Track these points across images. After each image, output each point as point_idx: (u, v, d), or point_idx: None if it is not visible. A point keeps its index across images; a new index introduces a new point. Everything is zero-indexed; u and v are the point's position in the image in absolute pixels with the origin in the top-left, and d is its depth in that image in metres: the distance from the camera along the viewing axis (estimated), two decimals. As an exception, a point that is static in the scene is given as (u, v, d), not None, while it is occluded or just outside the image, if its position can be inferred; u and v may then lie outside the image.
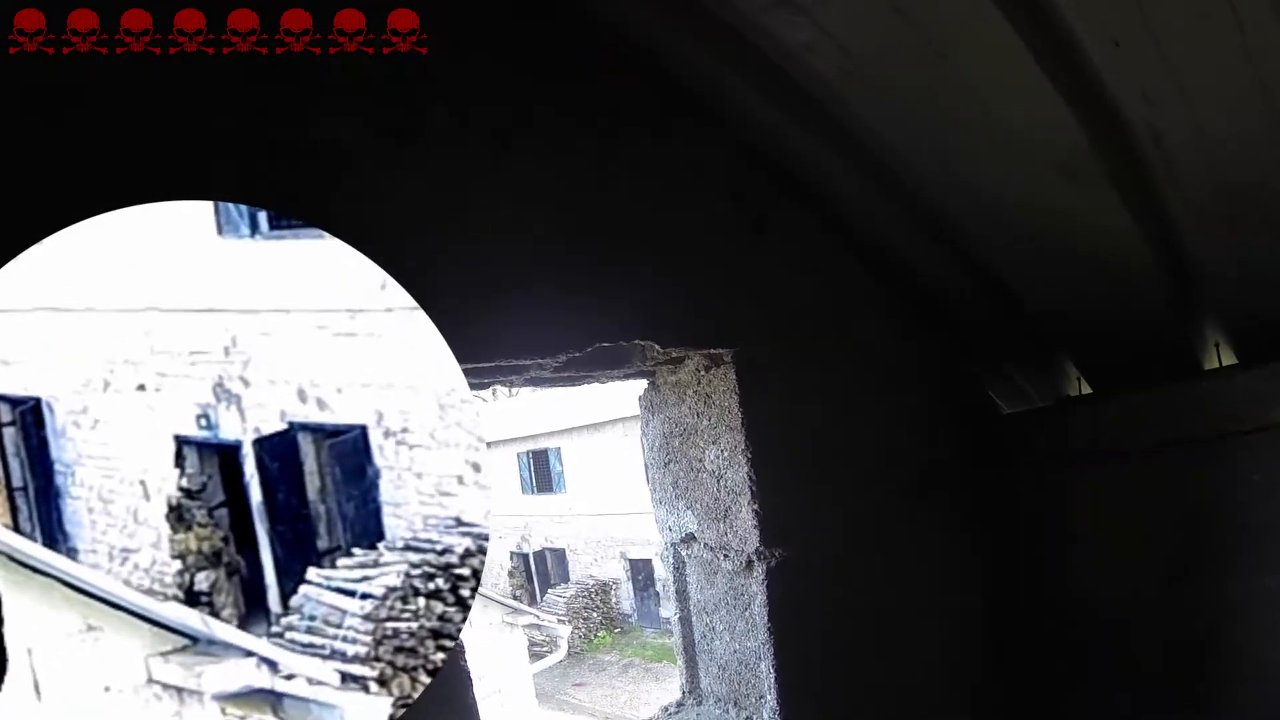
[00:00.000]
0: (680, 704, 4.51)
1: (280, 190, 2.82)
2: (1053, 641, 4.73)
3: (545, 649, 25.89)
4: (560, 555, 36.98)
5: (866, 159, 3.79)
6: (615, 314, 3.48)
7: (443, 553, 6.03)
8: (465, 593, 5.97)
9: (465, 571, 5.97)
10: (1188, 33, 2.78)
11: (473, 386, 3.72)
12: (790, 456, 3.96)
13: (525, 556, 37.81)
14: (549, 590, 35.76)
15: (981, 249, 4.14)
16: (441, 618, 5.98)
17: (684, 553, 4.37)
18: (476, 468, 6.36)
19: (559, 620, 27.37)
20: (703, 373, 3.96)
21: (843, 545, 4.13)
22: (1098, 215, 3.57)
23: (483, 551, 6.02)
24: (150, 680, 6.32)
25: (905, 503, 4.40)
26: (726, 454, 3.94)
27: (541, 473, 36.87)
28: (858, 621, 4.16)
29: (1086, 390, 4.80)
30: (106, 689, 6.15)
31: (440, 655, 6.06)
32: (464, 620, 5.97)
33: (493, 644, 21.29)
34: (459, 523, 6.37)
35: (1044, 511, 4.75)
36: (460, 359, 3.15)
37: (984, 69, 3.12)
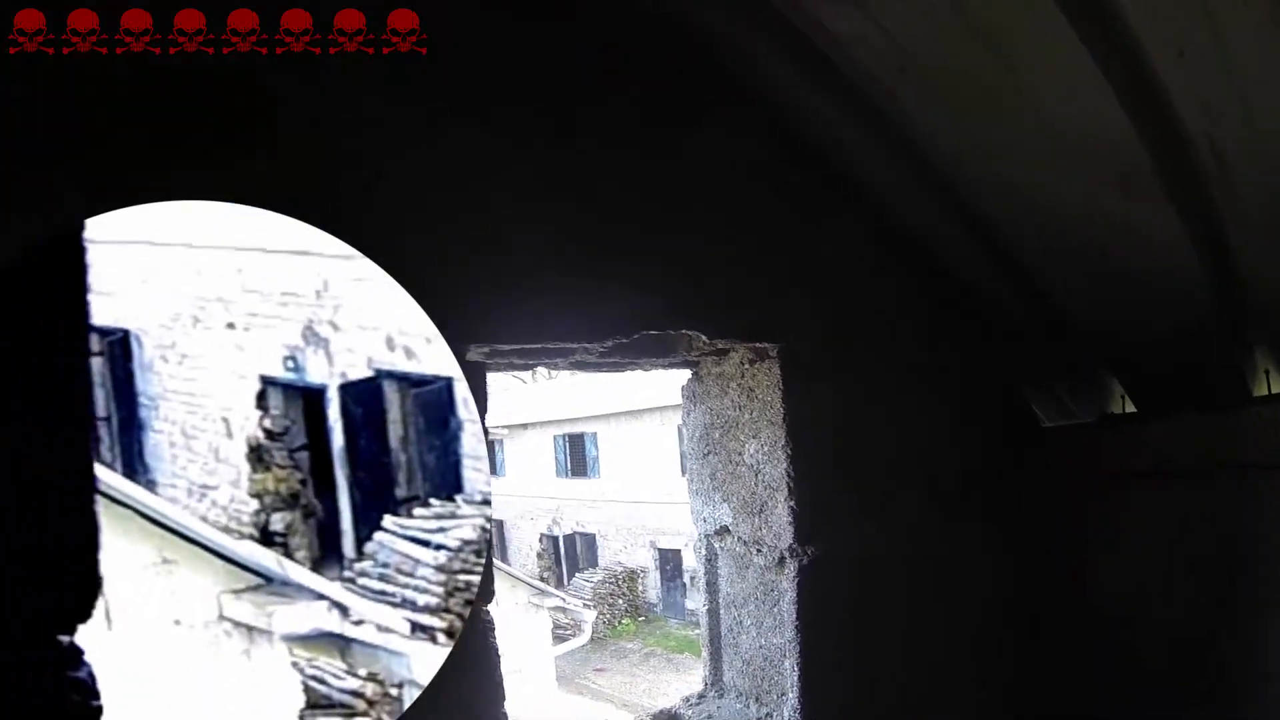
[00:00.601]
0: (702, 695, 4.51)
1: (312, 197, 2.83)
2: (1086, 656, 4.69)
3: (569, 632, 25.90)
4: (590, 540, 36.99)
5: (916, 159, 3.73)
6: (663, 302, 3.46)
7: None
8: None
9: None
10: (1254, 43, 2.73)
11: (520, 368, 3.72)
12: (829, 455, 3.91)
13: (555, 539, 37.86)
14: (576, 574, 35.78)
15: (1030, 258, 4.07)
16: (512, 574, 5.97)
17: (717, 545, 4.36)
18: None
19: (584, 605, 27.38)
20: (747, 366, 3.94)
21: (876, 547, 4.09)
22: (1152, 230, 3.48)
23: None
24: (221, 617, 6.37)
25: (941, 509, 4.35)
26: (766, 449, 3.91)
27: (577, 456, 36.86)
28: (886, 624, 4.13)
29: (1130, 409, 4.76)
30: (177, 622, 6.21)
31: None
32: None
33: (517, 624, 21.34)
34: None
35: (1081, 527, 4.69)
36: (507, 339, 3.16)
37: (1043, 72, 3.05)
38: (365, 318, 6.60)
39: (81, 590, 2.09)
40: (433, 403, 6.56)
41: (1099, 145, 3.19)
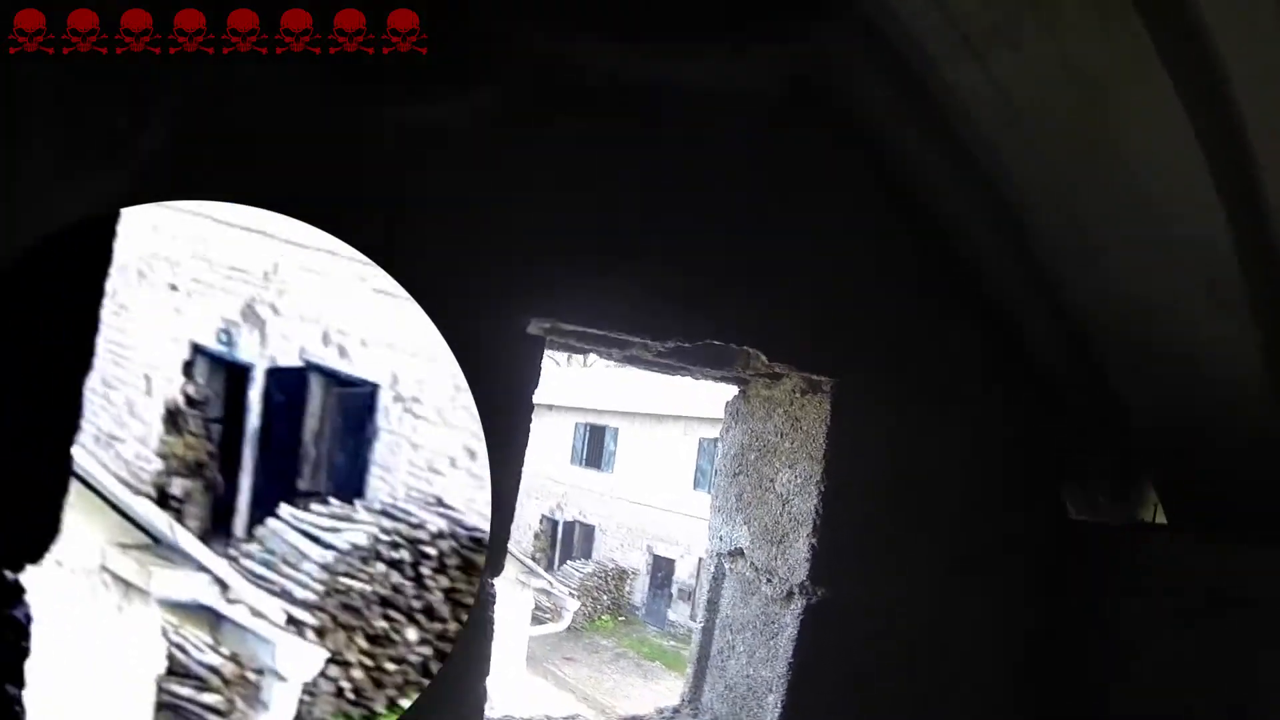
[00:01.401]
0: (676, 710, 4.49)
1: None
2: None
3: (548, 616, 25.94)
4: (589, 531, 37.05)
5: (1006, 217, 3.69)
6: (729, 315, 3.45)
7: (416, 527, 6.06)
8: (425, 571, 5.98)
9: (432, 551, 5.98)
10: None
11: (575, 350, 3.70)
12: (862, 498, 3.85)
13: (555, 523, 37.95)
14: (568, 561, 35.88)
15: (1101, 337, 4.01)
16: (395, 588, 6.00)
17: (727, 565, 4.33)
18: (472, 454, 6.36)
19: (570, 593, 27.42)
20: (798, 395, 3.90)
21: (889, 599, 4.03)
22: (1230, 341, 3.42)
23: (455, 537, 6.02)
24: (103, 567, 6.43)
25: (964, 574, 4.28)
26: (800, 480, 3.86)
27: (594, 448, 36.91)
28: (884, 680, 4.07)
29: (1160, 518, 4.66)
30: (58, 564, 6.27)
31: (383, 624, 6.10)
32: (416, 596, 5.99)
33: (502, 597, 21.38)
34: (440, 503, 6.38)
35: (1103, 628, 4.61)
36: (570, 319, 3.18)
37: (1149, 157, 2.99)
38: (307, 308, 6.63)
39: (42, 531, 2.11)
40: (354, 405, 6.59)
41: (1193, 239, 3.16)
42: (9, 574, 2.05)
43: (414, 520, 6.06)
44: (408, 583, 5.98)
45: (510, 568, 21.28)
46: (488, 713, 3.34)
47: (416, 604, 6.00)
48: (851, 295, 3.78)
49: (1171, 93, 2.69)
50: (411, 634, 5.84)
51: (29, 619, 2.07)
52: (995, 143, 3.33)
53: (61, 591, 6.37)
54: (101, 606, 6.48)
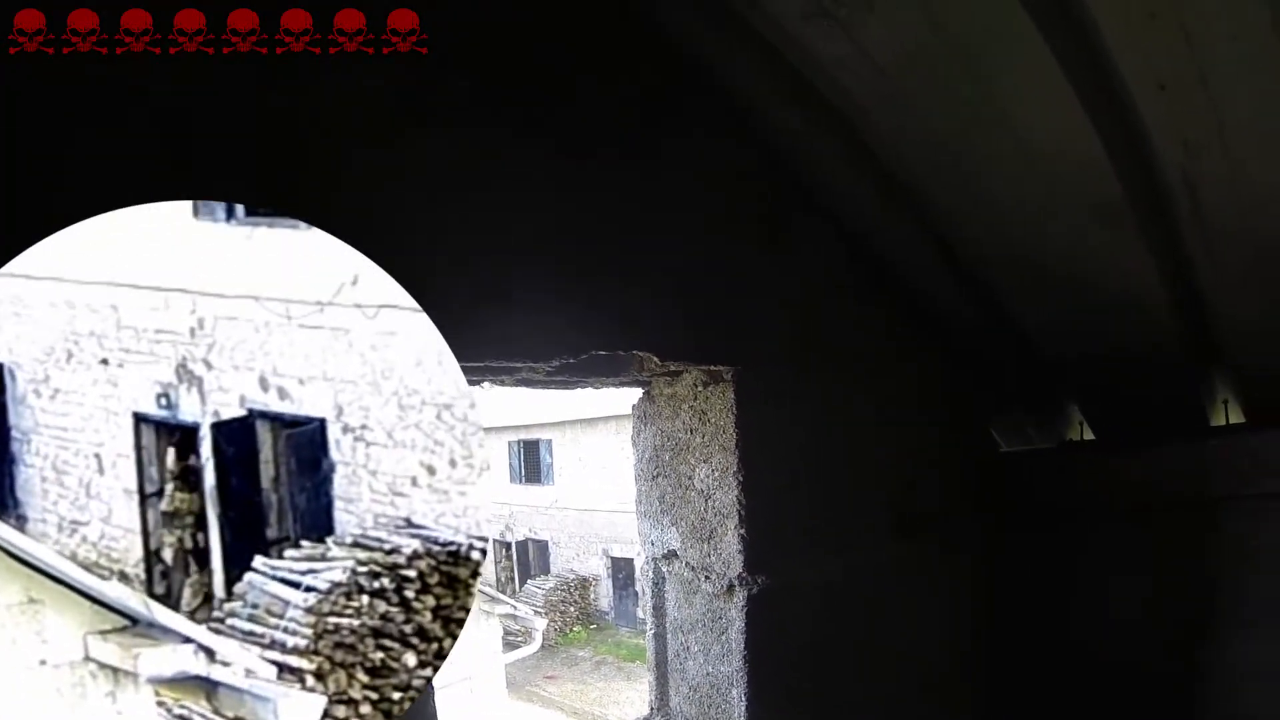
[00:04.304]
0: (647, 719, 4.51)
1: (277, 190, 2.82)
2: (1047, 690, 4.70)
3: (520, 640, 25.85)
4: (543, 547, 37.05)
5: (889, 180, 3.75)
6: (614, 322, 3.43)
7: (390, 552, 6.02)
8: (409, 594, 5.95)
9: (411, 573, 5.95)
10: (1237, 83, 2.74)
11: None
12: (784, 482, 3.91)
13: (508, 545, 37.86)
14: (528, 581, 35.84)
15: (1000, 282, 4.10)
16: (384, 617, 5.97)
17: (664, 569, 4.34)
18: (431, 470, 6.34)
19: (536, 612, 27.37)
20: (700, 388, 3.91)
21: (829, 577, 4.08)
22: (1123, 261, 3.54)
23: (431, 555, 6.00)
24: (87, 658, 6.32)
25: (897, 539, 4.35)
26: (717, 474, 3.88)
27: (531, 463, 36.92)
28: (839, 657, 4.12)
29: (1089, 435, 4.77)
30: (42, 663, 6.14)
31: (379, 654, 6.05)
32: (406, 620, 5.97)
33: (468, 631, 21.28)
34: (409, 524, 6.35)
35: (1040, 556, 4.71)
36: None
37: (1023, 100, 3.09)
38: (239, 357, 6.56)
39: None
40: (305, 444, 6.52)
41: (1075, 172, 3.24)
42: None
43: (388, 546, 6.02)
44: (394, 609, 5.95)
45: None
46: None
47: (408, 628, 5.97)
48: (742, 281, 3.83)
49: (1034, 30, 2.76)
50: (410, 659, 5.81)
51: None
52: (869, 109, 3.39)
53: (51, 690, 6.25)
54: (93, 697, 6.36)
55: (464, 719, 19.69)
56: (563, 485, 35.66)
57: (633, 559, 32.90)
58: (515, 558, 37.80)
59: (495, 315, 3.14)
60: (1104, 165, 3.11)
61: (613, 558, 34.33)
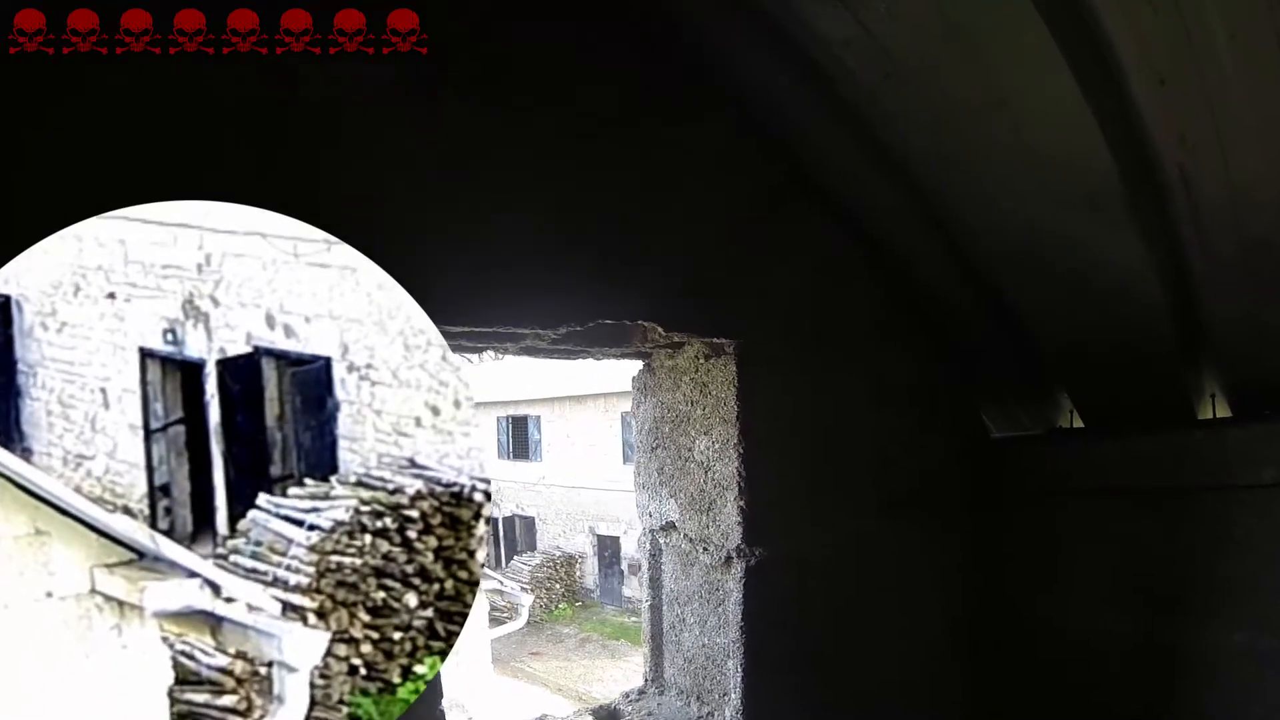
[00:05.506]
0: (642, 691, 4.52)
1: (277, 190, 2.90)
2: (1030, 665, 4.75)
3: (505, 615, 25.88)
4: (529, 523, 37.07)
5: (891, 164, 3.77)
6: (620, 292, 3.46)
7: (394, 492, 6.03)
8: (411, 534, 5.97)
9: (414, 513, 5.96)
10: (1235, 81, 2.78)
11: (467, 350, 3.71)
12: (781, 456, 3.95)
13: (494, 521, 37.85)
14: (515, 557, 35.82)
15: (995, 268, 4.13)
16: (386, 556, 5.98)
17: (662, 540, 4.36)
18: (435, 411, 6.36)
19: (522, 588, 27.41)
20: (701, 361, 3.95)
21: (825, 551, 4.11)
22: (1114, 251, 3.57)
23: (434, 495, 6.01)
24: (93, 590, 6.32)
25: (891, 515, 4.38)
26: (718, 446, 3.92)
27: (519, 439, 36.92)
28: (834, 629, 4.16)
29: (1078, 423, 4.81)
30: (49, 594, 6.14)
31: (381, 594, 6.07)
32: (408, 560, 5.99)
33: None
34: (412, 464, 6.36)
35: (1028, 538, 4.77)
36: (456, 322, 3.16)
37: (1025, 89, 3.13)
38: (246, 294, 6.56)
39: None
40: (310, 382, 6.53)
41: (1072, 161, 3.28)
42: None
43: (391, 486, 6.03)
44: (397, 549, 5.96)
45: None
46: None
47: (409, 568, 5.99)
48: (739, 252, 3.86)
49: (1038, 19, 2.79)
50: (411, 599, 5.83)
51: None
52: (873, 91, 3.40)
53: (57, 622, 6.25)
54: (99, 630, 6.37)
55: (451, 694, 19.73)
56: (551, 462, 35.70)
57: (619, 537, 32.98)
58: (502, 533, 37.82)
59: (504, 280, 3.19)
60: (1102, 156, 3.15)
61: (599, 535, 34.38)
